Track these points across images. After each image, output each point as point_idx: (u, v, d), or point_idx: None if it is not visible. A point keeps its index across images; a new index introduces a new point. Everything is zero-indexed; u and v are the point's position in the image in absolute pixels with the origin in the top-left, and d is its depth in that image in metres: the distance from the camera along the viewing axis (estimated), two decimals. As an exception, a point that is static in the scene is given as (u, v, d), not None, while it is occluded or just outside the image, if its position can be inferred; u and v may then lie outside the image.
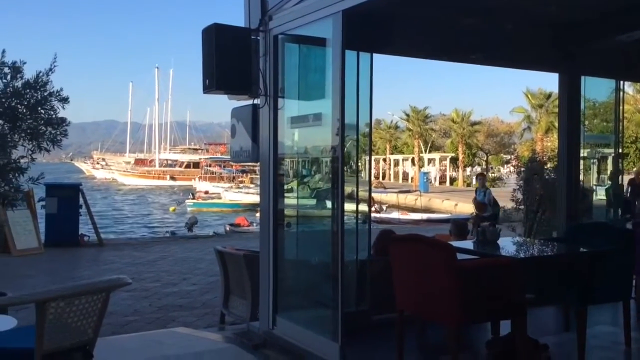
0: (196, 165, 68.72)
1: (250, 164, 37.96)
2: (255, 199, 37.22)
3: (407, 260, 4.44)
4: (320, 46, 4.98)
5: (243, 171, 57.07)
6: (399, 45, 5.93)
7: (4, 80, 4.90)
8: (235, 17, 5.92)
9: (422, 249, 4.31)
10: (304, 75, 5.25)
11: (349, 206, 5.10)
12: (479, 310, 4.21)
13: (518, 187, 9.02)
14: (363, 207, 5.77)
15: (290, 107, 5.22)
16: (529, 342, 4.41)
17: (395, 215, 27.24)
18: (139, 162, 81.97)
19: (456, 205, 31.89)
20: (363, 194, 5.98)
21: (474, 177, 52.76)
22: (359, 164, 6.12)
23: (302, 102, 5.29)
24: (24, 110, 4.91)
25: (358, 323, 5.12)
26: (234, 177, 55.74)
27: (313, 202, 5.81)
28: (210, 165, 61.70)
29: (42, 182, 5.51)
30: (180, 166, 73.54)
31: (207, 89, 4.97)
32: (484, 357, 4.86)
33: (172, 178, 69.19)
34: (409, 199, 37.57)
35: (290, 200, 5.62)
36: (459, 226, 6.56)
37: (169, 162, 77.28)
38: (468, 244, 5.38)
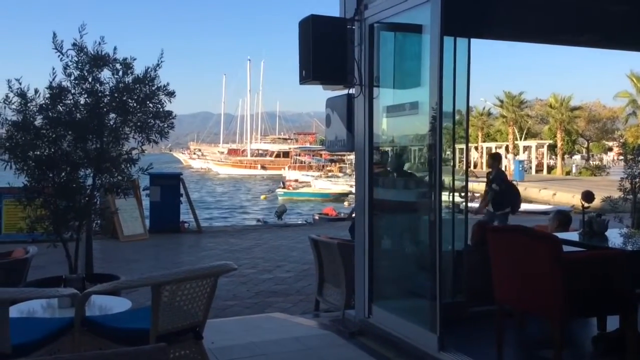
0: (286, 154, 69.96)
1: (339, 153, 38.16)
2: (344, 188, 37.55)
3: (509, 252, 4.32)
4: (417, 33, 4.89)
5: (332, 160, 57.52)
6: (499, 29, 5.74)
7: (116, 76, 5.19)
8: (330, 8, 5.96)
9: (525, 240, 4.17)
10: (399, 63, 5.19)
11: (444, 195, 5.01)
12: (585, 305, 4.05)
13: (626, 175, 8.47)
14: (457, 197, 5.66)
15: (386, 96, 5.19)
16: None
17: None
18: (231, 152, 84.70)
19: (554, 194, 30.51)
20: (457, 183, 5.86)
21: (574, 166, 50.24)
22: (452, 152, 6.00)
23: (397, 91, 5.24)
24: (134, 105, 5.19)
25: (455, 314, 5.04)
26: (323, 166, 56.29)
27: (406, 191, 5.77)
28: (299, 155, 62.59)
29: (147, 172, 5.83)
30: (270, 156, 75.27)
31: (304, 79, 5.04)
32: (590, 354, 4.66)
33: (263, 167, 70.98)
34: (502, 188, 36.23)
35: (383, 189, 5.60)
36: (562, 217, 6.29)
37: (260, 151, 79.32)
38: (574, 236, 5.16)
